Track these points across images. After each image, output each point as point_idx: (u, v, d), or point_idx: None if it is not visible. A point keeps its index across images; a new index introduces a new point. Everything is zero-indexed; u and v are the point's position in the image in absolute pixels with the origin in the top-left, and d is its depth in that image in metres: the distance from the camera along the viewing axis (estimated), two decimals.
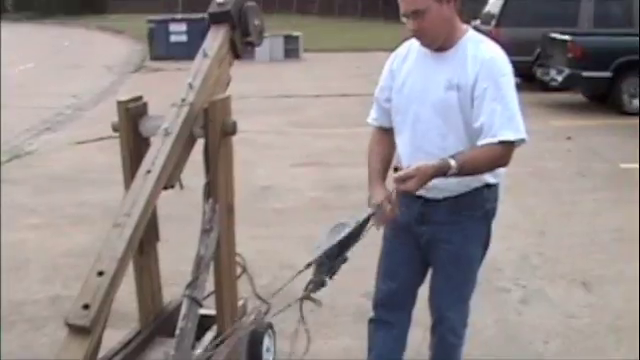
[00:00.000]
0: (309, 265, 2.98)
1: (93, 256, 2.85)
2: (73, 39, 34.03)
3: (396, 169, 3.27)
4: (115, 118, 3.47)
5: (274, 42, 22.67)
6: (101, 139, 9.81)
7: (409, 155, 3.20)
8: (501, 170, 3.17)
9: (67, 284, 5.31)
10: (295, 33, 24.15)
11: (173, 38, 23.08)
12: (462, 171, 2.94)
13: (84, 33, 39.00)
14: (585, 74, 12.79)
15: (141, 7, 43.59)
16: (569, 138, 10.60)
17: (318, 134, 11.21)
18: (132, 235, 2.89)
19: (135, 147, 3.45)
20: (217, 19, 3.69)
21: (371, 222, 3.04)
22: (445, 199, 3.16)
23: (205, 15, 3.74)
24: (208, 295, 3.62)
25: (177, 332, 3.28)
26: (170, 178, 3.21)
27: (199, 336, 3.56)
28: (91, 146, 10.31)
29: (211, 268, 3.50)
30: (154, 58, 23.11)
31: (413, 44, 3.25)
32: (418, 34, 3.10)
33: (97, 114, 13.09)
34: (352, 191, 7.22)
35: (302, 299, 3.00)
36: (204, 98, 3.40)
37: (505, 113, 2.98)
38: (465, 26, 3.19)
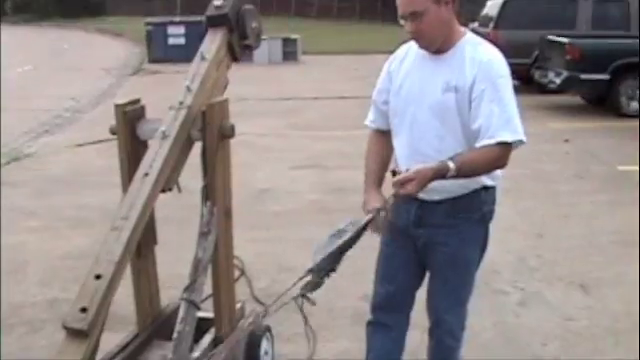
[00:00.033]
0: (310, 271, 2.99)
1: (91, 259, 2.85)
2: (72, 42, 34.04)
3: (394, 172, 3.28)
4: (113, 121, 3.48)
5: (272, 45, 22.69)
6: (99, 142, 9.82)
7: (406, 157, 3.21)
8: (498, 172, 3.18)
9: (65, 287, 5.31)
10: (293, 36, 24.17)
11: (171, 41, 23.08)
12: (460, 173, 2.95)
13: (82, 36, 39.02)
14: (583, 76, 12.80)
15: (140, 9, 43.59)
16: (567, 140, 10.60)
17: (317, 136, 11.21)
18: (130, 238, 2.90)
19: (133, 150, 3.45)
20: (215, 22, 3.69)
21: (369, 228, 3.05)
22: (442, 201, 3.16)
23: (203, 18, 3.74)
24: (206, 298, 3.63)
25: (175, 335, 3.29)
26: (168, 181, 3.21)
27: (197, 339, 3.56)
28: (90, 149, 10.32)
29: (209, 271, 3.51)
30: (152, 61, 23.13)
31: (412, 46, 3.26)
32: (416, 36, 3.11)
33: (96, 117, 13.09)
34: (351, 194, 7.20)
35: (296, 298, 3.00)
36: (202, 101, 3.41)
37: (503, 115, 2.99)
38: (463, 29, 3.20)
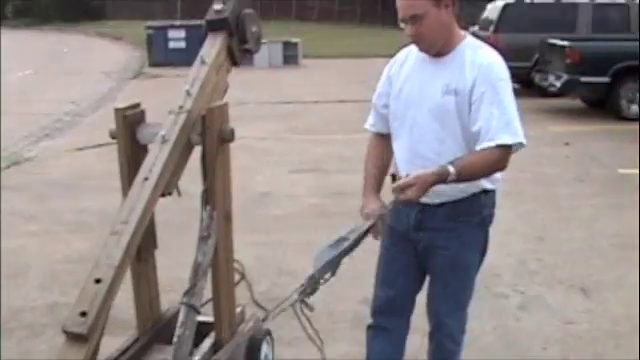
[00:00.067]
0: (312, 278, 3.01)
1: (91, 263, 2.85)
2: (72, 46, 34.07)
3: (394, 176, 3.29)
4: (113, 125, 3.48)
5: (273, 48, 22.71)
6: (100, 146, 9.82)
7: (406, 160, 3.21)
8: (498, 175, 3.18)
9: (65, 291, 5.30)
10: (294, 39, 24.20)
11: (172, 44, 23.11)
12: (461, 177, 2.95)
13: (83, 40, 39.05)
14: (583, 79, 12.81)
15: (140, 13, 43.62)
16: (567, 144, 10.61)
17: (317, 140, 11.21)
18: (129, 242, 2.90)
19: (133, 154, 3.45)
20: (214, 26, 3.69)
21: (369, 233, 3.07)
22: (442, 205, 3.16)
23: (203, 22, 3.74)
24: (206, 302, 3.63)
25: (175, 339, 3.29)
26: (167, 185, 3.21)
27: (197, 343, 3.56)
28: (90, 153, 10.32)
29: (209, 275, 3.51)
30: (153, 64, 23.15)
31: (412, 50, 3.26)
32: (416, 39, 3.11)
33: (96, 120, 13.10)
34: (351, 197, 7.18)
35: (294, 304, 3.01)
36: (202, 105, 3.41)
37: (503, 117, 2.99)
38: (463, 32, 3.20)
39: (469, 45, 3.14)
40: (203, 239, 3.40)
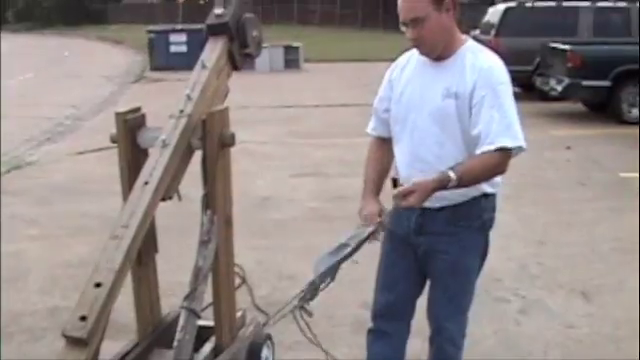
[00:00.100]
0: (312, 284, 3.01)
1: (92, 267, 2.85)
2: (73, 49, 34.12)
3: (394, 180, 3.29)
4: (114, 129, 3.48)
5: (274, 52, 22.73)
6: (101, 150, 9.82)
7: (406, 164, 3.22)
8: (498, 179, 3.18)
9: (66, 295, 5.30)
10: (295, 44, 24.22)
11: (173, 48, 23.13)
12: (461, 182, 2.95)
13: (84, 43, 39.12)
14: (585, 83, 12.81)
15: (141, 18, 43.66)
16: (568, 147, 10.60)
17: (318, 144, 11.21)
18: (130, 247, 2.90)
19: (133, 158, 3.45)
20: (215, 31, 3.70)
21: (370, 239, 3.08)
22: (442, 209, 3.15)
23: (204, 26, 3.75)
24: (207, 307, 3.62)
25: (175, 344, 3.29)
26: (168, 190, 3.22)
27: (197, 347, 3.55)
28: (91, 157, 10.32)
29: (210, 279, 3.51)
30: (154, 68, 23.17)
31: (413, 54, 3.27)
32: (417, 43, 3.12)
33: (97, 124, 13.09)
34: (351, 201, 7.10)
35: (294, 310, 3.02)
36: (202, 109, 3.41)
37: (503, 121, 2.99)
38: (464, 36, 3.20)
39: (470, 49, 3.14)
40: (203, 243, 3.40)
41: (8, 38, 37.86)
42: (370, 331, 3.52)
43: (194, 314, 3.35)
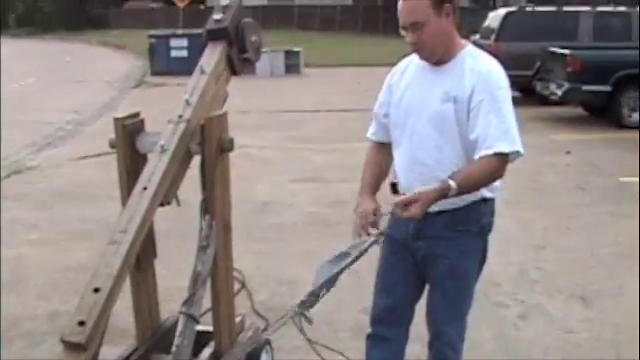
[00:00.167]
0: (312, 294, 3.03)
1: (92, 272, 2.86)
2: (74, 54, 34.12)
3: (393, 185, 3.30)
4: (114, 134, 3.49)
5: (275, 57, 22.73)
6: (101, 155, 9.81)
7: (405, 167, 3.23)
8: (497, 184, 3.18)
9: (65, 300, 5.30)
10: (296, 48, 24.22)
11: (174, 53, 23.12)
12: (461, 190, 2.97)
13: (85, 48, 39.14)
14: (585, 88, 12.81)
15: (142, 23, 43.71)
16: (568, 152, 10.60)
17: (318, 149, 11.22)
18: (128, 252, 2.90)
19: (132, 164, 3.46)
20: (214, 36, 3.70)
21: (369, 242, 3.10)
22: (441, 213, 3.15)
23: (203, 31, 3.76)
24: (206, 312, 3.63)
25: (173, 349, 3.29)
26: (166, 195, 3.22)
27: (196, 353, 3.55)
28: (91, 162, 10.32)
29: (208, 284, 3.51)
30: (155, 73, 23.17)
31: (413, 59, 3.28)
32: (417, 47, 3.13)
33: (98, 129, 13.08)
34: (351, 207, 7.17)
35: (293, 316, 3.03)
36: (201, 114, 3.42)
37: (501, 126, 3.00)
38: (464, 41, 3.22)
39: (469, 53, 3.16)
40: (202, 248, 3.41)
41: (9, 43, 37.88)
42: (369, 336, 3.52)
43: (192, 319, 3.36)
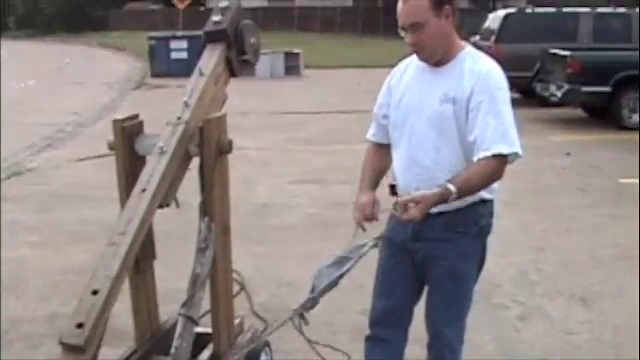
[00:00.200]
0: (312, 299, 3.03)
1: (90, 274, 2.85)
2: (74, 56, 34.12)
3: (392, 187, 3.30)
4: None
5: (275, 59, 22.74)
6: (101, 156, 9.81)
7: (403, 168, 3.24)
8: (495, 185, 3.18)
9: (65, 302, 5.28)
10: (296, 50, 24.22)
11: (174, 55, 23.11)
12: (461, 194, 2.98)
13: (85, 50, 39.13)
14: (585, 89, 12.81)
15: (142, 24, 43.71)
16: (568, 153, 10.60)
17: (317, 151, 11.22)
18: (127, 253, 2.90)
19: (131, 165, 3.46)
20: (213, 37, 3.70)
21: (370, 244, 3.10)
22: (440, 214, 3.15)
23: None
24: (204, 314, 3.62)
25: (172, 351, 3.28)
26: (165, 197, 3.22)
27: (195, 354, 3.55)
28: (91, 163, 10.31)
29: (207, 286, 3.50)
30: (155, 75, 23.16)
31: (412, 60, 3.29)
32: (416, 48, 3.13)
33: (97, 131, 13.07)
34: (351, 208, 7.18)
35: (293, 317, 3.03)
36: (200, 116, 3.42)
37: (499, 127, 3.00)
38: (463, 42, 3.22)
39: (469, 54, 3.16)
40: (201, 250, 3.40)
41: (9, 44, 37.89)
42: (368, 338, 3.52)
43: (191, 321, 3.35)
